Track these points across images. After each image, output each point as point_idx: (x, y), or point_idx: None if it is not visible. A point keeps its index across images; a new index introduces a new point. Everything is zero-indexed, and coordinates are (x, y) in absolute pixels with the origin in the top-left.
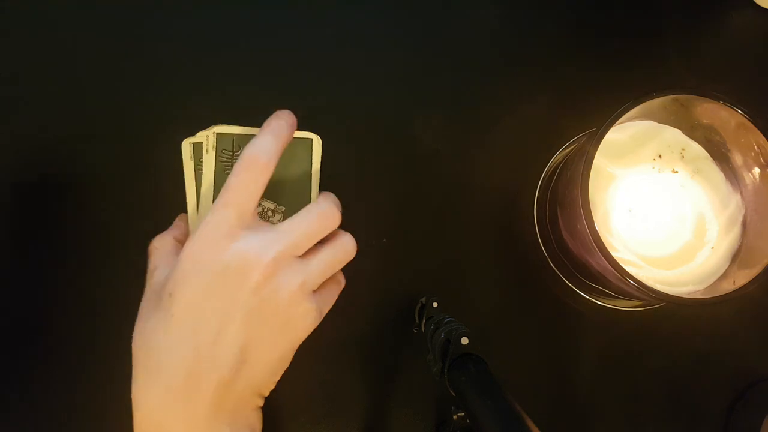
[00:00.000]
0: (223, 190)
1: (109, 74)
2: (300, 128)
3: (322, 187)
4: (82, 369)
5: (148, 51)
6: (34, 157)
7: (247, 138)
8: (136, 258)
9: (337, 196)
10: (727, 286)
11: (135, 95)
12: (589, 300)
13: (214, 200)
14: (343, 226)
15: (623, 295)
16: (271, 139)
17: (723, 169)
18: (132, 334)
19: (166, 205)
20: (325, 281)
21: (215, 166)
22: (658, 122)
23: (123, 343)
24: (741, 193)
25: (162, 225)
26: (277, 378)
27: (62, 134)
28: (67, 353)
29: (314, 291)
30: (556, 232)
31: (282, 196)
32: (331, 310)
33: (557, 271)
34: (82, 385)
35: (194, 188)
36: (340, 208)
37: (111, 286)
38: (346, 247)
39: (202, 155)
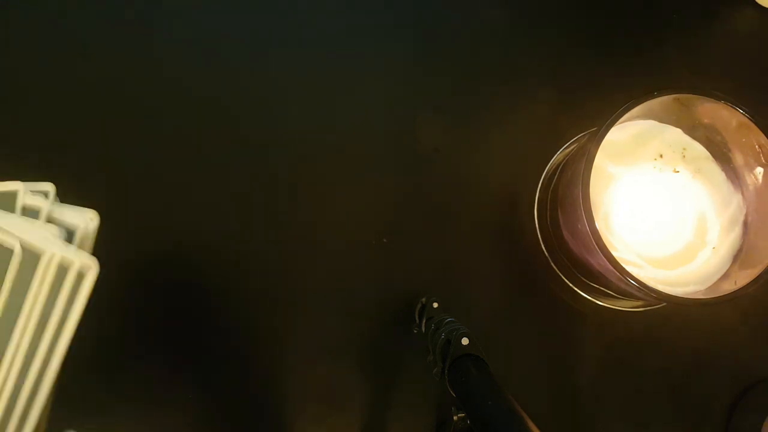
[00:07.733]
0: None
1: None
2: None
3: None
4: None
5: None
6: None
7: None
8: None
9: (337, 196)
10: (729, 287)
11: None
12: (590, 300)
13: None
14: (343, 225)
15: (624, 295)
16: None
17: (724, 169)
18: None
19: None
20: None
21: None
22: (659, 122)
23: None
24: (742, 193)
25: None
26: None
27: None
28: None
29: None
30: (556, 232)
31: None
32: (331, 310)
33: (558, 272)
34: None
35: None
36: None
37: None
38: None
39: None
